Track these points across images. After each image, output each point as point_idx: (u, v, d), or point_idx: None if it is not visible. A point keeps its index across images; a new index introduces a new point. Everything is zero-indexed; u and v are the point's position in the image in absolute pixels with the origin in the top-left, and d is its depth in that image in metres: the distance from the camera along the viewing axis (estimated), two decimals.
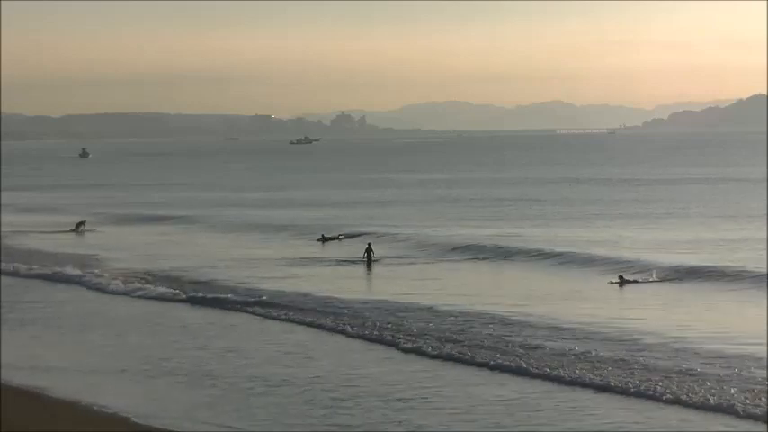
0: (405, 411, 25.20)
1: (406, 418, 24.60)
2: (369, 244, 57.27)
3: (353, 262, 55.34)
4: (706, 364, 28.90)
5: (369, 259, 55.46)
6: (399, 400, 26.25)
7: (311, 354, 32.29)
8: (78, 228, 75.30)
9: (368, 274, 52.92)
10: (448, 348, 31.82)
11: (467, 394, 26.75)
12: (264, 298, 42.22)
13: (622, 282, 45.50)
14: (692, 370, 28.05)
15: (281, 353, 32.51)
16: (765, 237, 57.78)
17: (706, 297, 41.98)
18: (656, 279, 46.20)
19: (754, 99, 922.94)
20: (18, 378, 28.71)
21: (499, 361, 29.93)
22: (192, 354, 32.54)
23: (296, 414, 25.13)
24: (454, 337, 33.45)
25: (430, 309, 38.94)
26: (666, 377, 27.34)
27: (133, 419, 24.41)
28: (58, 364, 31.32)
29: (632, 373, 27.87)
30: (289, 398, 26.59)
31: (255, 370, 29.83)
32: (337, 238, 66.57)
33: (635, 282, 45.71)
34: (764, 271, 45.14)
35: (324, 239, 66.29)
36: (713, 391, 25.84)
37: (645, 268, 48.23)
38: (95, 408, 25.48)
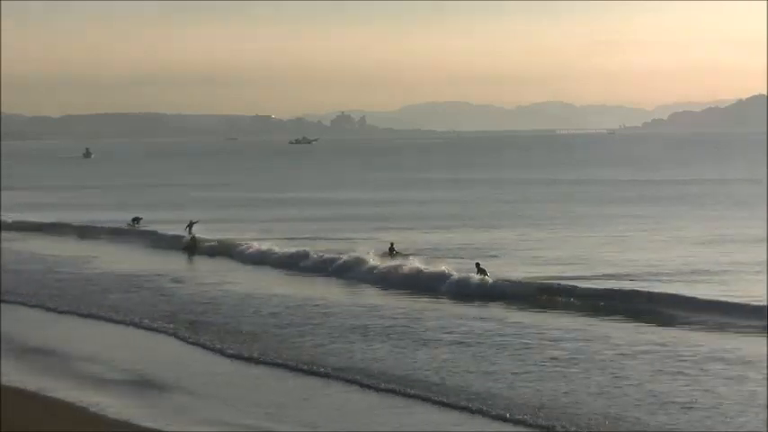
0: None
1: None
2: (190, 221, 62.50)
3: None
4: None
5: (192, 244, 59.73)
6: None
7: None
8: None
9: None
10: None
11: None
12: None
13: (480, 270, 43.44)
14: None
15: None
16: (765, 237, 57.65)
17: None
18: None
19: (754, 99, 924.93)
20: None
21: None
22: None
23: None
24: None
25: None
26: None
27: (133, 420, 24.38)
28: None
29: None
30: None
31: None
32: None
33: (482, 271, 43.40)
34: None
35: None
36: None
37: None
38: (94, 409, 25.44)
